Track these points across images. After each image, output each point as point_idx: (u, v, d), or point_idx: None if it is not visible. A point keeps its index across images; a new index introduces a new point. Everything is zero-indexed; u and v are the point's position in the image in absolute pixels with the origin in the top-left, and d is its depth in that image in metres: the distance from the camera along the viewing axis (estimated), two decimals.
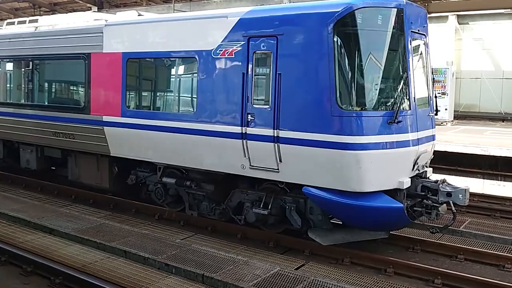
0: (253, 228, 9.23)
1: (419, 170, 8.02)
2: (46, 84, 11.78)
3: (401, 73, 7.72)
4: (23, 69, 11.85)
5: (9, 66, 12.41)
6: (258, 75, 7.99)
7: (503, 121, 23.37)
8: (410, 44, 7.72)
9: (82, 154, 11.09)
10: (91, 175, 10.98)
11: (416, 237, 9.09)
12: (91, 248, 8.60)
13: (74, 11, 24.49)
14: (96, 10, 23.09)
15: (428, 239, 8.98)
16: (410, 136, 7.62)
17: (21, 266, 7.86)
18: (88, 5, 25.59)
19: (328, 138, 7.24)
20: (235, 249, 8.64)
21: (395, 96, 7.66)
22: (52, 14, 27.75)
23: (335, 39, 7.22)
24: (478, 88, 24.18)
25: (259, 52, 7.92)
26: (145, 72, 9.63)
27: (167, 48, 9.07)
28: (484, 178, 14.98)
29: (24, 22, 12.80)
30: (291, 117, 7.61)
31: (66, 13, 19.28)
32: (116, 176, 10.76)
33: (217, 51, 8.35)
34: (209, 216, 9.53)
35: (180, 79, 9.19)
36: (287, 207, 8.31)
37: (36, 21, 12.38)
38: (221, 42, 8.29)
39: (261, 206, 8.46)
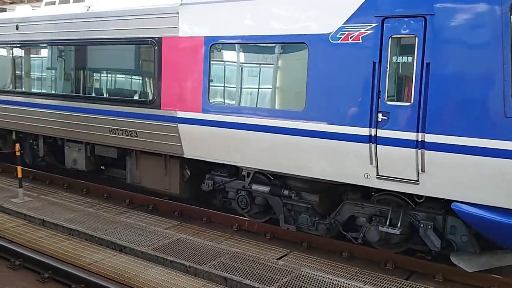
0: (362, 246, 7.81)
1: None
2: (101, 74, 10.20)
3: None
4: (71, 56, 10.26)
5: (53, 52, 10.81)
6: (395, 65, 6.48)
7: None
8: None
9: (146, 154, 9.58)
10: (157, 179, 9.48)
11: None
12: (179, 272, 7.16)
13: None
14: None
15: None
16: None
17: None
18: None
19: (499, 145, 5.76)
20: (347, 272, 7.23)
21: None
22: None
23: None
24: None
25: (398, 36, 6.40)
26: (235, 60, 8.08)
27: (265, 32, 7.53)
28: None
29: (67, 1, 11.19)
30: (442, 118, 6.13)
31: None
32: (188, 180, 9.28)
33: (337, 36, 6.83)
34: (309, 230, 8.08)
35: (282, 69, 7.65)
36: (421, 225, 6.87)
37: (82, 0, 10.78)
38: (343, 24, 6.76)
39: (387, 223, 7.01)
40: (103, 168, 11.18)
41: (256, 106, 7.83)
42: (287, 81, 7.62)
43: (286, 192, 7.94)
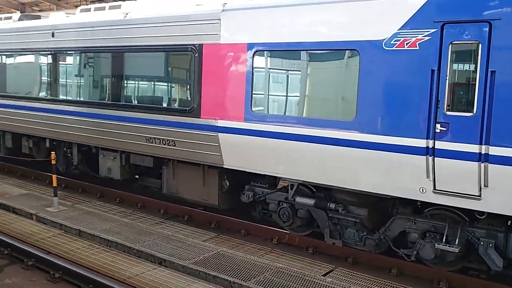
0: (412, 263, 7.40)
1: None
2: (138, 81, 10.03)
3: None
4: (108, 63, 10.12)
5: (89, 59, 10.70)
6: (455, 73, 6.12)
7: None
8: None
9: (183, 164, 9.35)
10: (195, 189, 9.23)
11: None
12: None
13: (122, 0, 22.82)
14: None
15: None
16: None
17: None
18: None
19: None
20: None
21: None
22: (99, 3, 26.08)
23: None
24: None
25: (460, 42, 6.05)
26: (280, 67, 7.82)
27: (313, 38, 7.24)
28: None
29: (102, 8, 11.10)
30: (509, 129, 5.75)
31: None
32: (227, 191, 9.01)
33: (391, 42, 6.50)
34: (356, 246, 7.72)
35: (331, 77, 7.35)
36: (481, 243, 6.46)
37: (118, 7, 10.67)
38: (398, 29, 6.43)
39: (443, 239, 6.62)
40: (137, 177, 10.99)
41: (302, 115, 7.53)
42: (335, 90, 7.30)
43: (332, 206, 7.60)
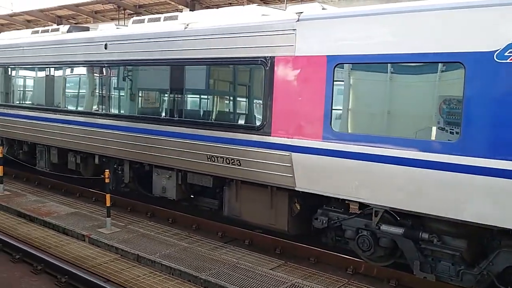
0: None
1: None
2: (200, 96, 9.46)
3: None
4: (166, 77, 9.55)
5: (144, 72, 10.19)
6: None
7: None
8: None
9: (248, 184, 8.69)
10: (261, 212, 8.55)
11: None
12: None
13: (160, 13, 22.51)
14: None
15: None
16: None
17: None
18: (180, 6, 23.60)
19: None
20: None
21: None
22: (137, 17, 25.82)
23: None
24: None
25: None
26: (366, 82, 7.13)
27: (404, 49, 6.53)
28: None
29: (157, 20, 10.60)
30: None
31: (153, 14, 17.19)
32: (297, 215, 8.30)
33: (505, 54, 5.75)
34: (451, 281, 6.90)
35: (425, 93, 6.61)
36: None
37: (175, 18, 10.15)
38: None
39: None
40: (192, 196, 10.38)
41: (391, 135, 6.79)
42: (433, 107, 6.53)
43: (425, 236, 6.82)
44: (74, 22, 29.49)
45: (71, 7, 26.53)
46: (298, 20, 7.62)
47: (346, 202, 7.94)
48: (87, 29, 12.93)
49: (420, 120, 6.64)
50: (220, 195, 9.63)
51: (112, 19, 27.04)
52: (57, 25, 25.68)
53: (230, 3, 22.37)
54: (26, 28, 23.91)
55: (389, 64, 6.76)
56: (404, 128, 6.78)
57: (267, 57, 7.91)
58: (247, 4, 21.30)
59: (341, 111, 7.28)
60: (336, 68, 7.18)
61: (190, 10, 22.74)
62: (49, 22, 28.69)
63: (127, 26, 11.37)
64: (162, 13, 24.22)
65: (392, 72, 6.80)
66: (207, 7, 23.81)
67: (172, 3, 23.34)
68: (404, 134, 6.69)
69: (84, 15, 27.63)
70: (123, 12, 25.51)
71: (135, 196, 11.86)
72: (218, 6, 23.86)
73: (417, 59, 6.49)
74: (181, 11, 22.55)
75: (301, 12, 7.67)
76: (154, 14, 23.98)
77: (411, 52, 6.49)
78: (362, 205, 7.77)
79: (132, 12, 25.38)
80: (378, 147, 6.78)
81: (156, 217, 11.06)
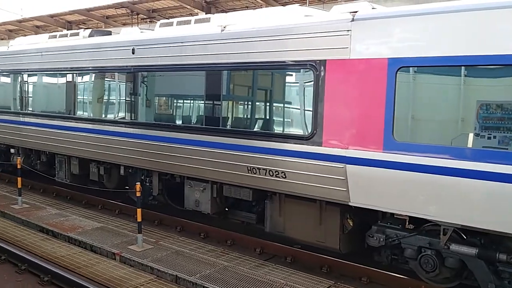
0: None
1: None
2: (240, 102, 8.82)
3: None
4: (201, 83, 8.92)
5: (176, 78, 9.56)
6: None
7: None
8: None
9: (293, 198, 8.04)
10: (309, 229, 7.90)
11: None
12: None
13: (174, 17, 21.96)
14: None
15: None
16: None
17: None
18: (196, 10, 23.03)
19: None
20: None
21: None
22: (150, 22, 25.26)
23: None
24: None
25: None
26: (436, 87, 6.46)
27: (481, 51, 5.89)
28: None
29: (187, 22, 9.99)
30: None
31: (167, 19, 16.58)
32: (349, 232, 7.64)
33: None
34: None
35: (507, 99, 5.95)
36: None
37: (207, 20, 9.53)
38: None
39: None
40: (227, 210, 9.73)
41: (466, 145, 6.13)
42: None
43: (503, 257, 6.16)
44: (85, 27, 28.95)
45: (83, 12, 25.98)
46: (353, 20, 6.99)
47: (401, 218, 7.30)
48: (109, 33, 12.34)
49: (503, 130, 5.97)
50: (257, 209, 8.98)
51: (124, 24, 26.51)
52: (67, 30, 25.18)
53: (247, 7, 21.84)
54: (35, 34, 23.38)
55: (462, 67, 6.10)
56: (480, 139, 6.10)
57: (317, 60, 7.28)
58: (265, 6, 20.72)
59: (405, 119, 6.62)
60: (399, 72, 6.54)
61: (206, 13, 22.20)
62: (58, 28, 28.14)
63: (152, 30, 10.73)
64: (174, 17, 23.64)
65: (466, 76, 6.14)
66: (223, 11, 23.29)
67: (188, 7, 22.74)
68: (479, 145, 6.02)
69: (95, 20, 27.08)
70: (135, 17, 24.97)
71: (161, 209, 11.24)
72: (234, 9, 23.39)
73: (498, 61, 5.82)
74: (196, 15, 22.00)
75: (356, 12, 7.04)
76: (167, 18, 23.47)
77: (496, 54, 5.80)
78: (415, 221, 7.13)
79: (145, 16, 24.85)
80: (452, 159, 6.12)
81: (186, 232, 10.41)
